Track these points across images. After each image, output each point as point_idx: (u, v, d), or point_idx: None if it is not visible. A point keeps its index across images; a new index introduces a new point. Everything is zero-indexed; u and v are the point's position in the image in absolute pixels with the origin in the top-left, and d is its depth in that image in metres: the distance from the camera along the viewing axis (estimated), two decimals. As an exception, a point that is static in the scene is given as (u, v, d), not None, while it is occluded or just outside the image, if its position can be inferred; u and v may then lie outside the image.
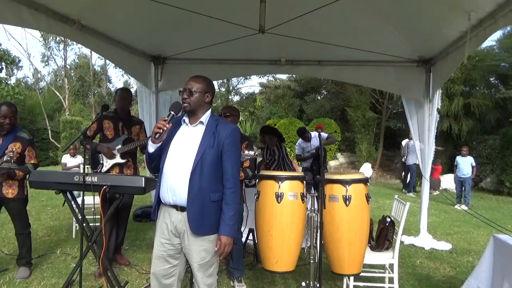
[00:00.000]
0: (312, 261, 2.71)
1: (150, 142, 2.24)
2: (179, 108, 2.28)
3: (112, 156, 3.84)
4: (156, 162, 2.29)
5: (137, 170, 4.15)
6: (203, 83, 2.26)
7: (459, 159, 8.81)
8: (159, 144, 2.23)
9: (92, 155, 3.91)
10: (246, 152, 3.35)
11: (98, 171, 3.80)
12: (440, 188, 10.35)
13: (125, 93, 4.15)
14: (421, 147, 5.10)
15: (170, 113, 2.22)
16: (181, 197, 2.17)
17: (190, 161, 2.16)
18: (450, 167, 10.21)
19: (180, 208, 2.20)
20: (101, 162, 3.86)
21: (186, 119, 2.30)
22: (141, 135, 4.14)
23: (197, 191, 2.14)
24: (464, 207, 8.21)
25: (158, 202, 2.30)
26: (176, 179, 2.18)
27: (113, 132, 3.95)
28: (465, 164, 8.67)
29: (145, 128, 4.31)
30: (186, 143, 2.23)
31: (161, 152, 2.27)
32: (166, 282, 2.29)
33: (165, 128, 2.16)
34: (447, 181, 10.67)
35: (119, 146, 3.86)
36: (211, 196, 2.17)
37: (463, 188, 8.65)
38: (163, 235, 2.26)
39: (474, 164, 8.73)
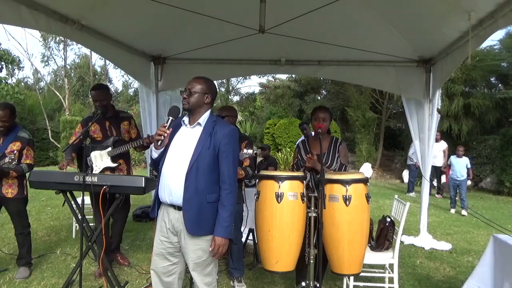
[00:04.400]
0: (312, 261, 2.71)
1: (153, 149, 2.33)
2: (177, 112, 2.35)
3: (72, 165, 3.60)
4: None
5: (129, 171, 3.95)
6: (203, 84, 2.29)
7: (453, 159, 8.13)
8: (162, 149, 2.29)
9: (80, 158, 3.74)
10: (245, 150, 3.35)
11: None
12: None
13: (97, 94, 3.73)
14: (421, 146, 5.11)
15: (169, 118, 2.29)
16: (177, 197, 2.20)
17: (186, 162, 2.19)
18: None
19: (177, 207, 2.23)
20: (89, 165, 3.69)
21: (186, 120, 2.33)
22: (132, 131, 3.93)
23: (193, 192, 2.16)
24: (464, 212, 7.67)
25: (158, 200, 2.34)
26: (172, 180, 2.22)
27: (100, 134, 3.76)
28: (460, 165, 8.01)
29: (135, 123, 4.06)
30: (184, 144, 2.27)
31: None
32: (167, 280, 2.33)
33: (165, 135, 2.24)
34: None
35: (109, 149, 3.70)
36: (207, 197, 2.19)
37: (457, 192, 8.01)
38: (162, 233, 2.31)
39: (469, 165, 8.06)
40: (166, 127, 2.25)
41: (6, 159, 3.33)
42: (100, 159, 3.71)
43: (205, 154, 2.19)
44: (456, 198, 8.44)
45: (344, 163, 3.11)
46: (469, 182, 8.40)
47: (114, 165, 3.71)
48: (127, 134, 3.89)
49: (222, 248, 2.18)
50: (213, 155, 2.20)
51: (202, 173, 2.18)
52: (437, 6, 3.38)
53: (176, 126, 2.34)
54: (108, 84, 25.62)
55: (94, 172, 3.64)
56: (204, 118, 2.29)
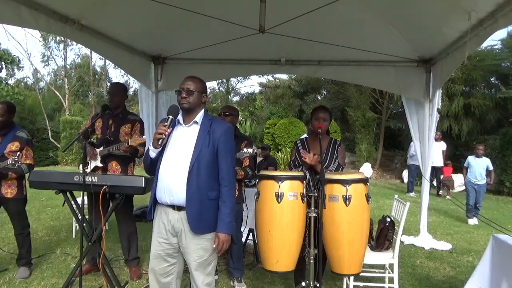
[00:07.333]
0: (312, 261, 2.71)
1: (151, 148, 2.29)
2: (177, 111, 2.33)
3: (94, 158, 3.57)
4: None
5: (125, 174, 3.68)
6: (200, 84, 2.31)
7: (472, 160, 6.96)
8: (160, 149, 2.27)
9: (84, 155, 3.63)
10: (245, 149, 3.35)
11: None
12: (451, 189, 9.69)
13: (112, 88, 3.78)
14: (421, 146, 5.11)
15: (169, 117, 2.27)
16: (179, 197, 2.19)
17: (187, 161, 2.19)
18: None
19: (177, 208, 2.22)
20: (88, 162, 3.61)
21: (181, 119, 2.33)
22: (134, 135, 3.63)
23: (195, 190, 2.16)
24: (475, 220, 6.83)
25: (155, 202, 2.32)
26: (173, 180, 2.20)
27: (101, 131, 3.67)
28: (480, 167, 6.86)
29: (143, 128, 3.79)
30: (182, 144, 2.26)
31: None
32: (165, 280, 2.32)
33: (166, 133, 2.22)
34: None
35: (101, 148, 3.59)
36: (208, 194, 2.19)
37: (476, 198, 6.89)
38: (160, 235, 2.29)
39: (491, 167, 6.94)
40: (167, 126, 2.23)
41: (9, 161, 3.32)
42: (94, 158, 3.62)
43: (205, 152, 2.20)
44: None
45: (341, 164, 3.14)
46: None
47: (101, 165, 3.60)
48: (126, 137, 3.64)
49: (226, 244, 2.20)
50: (213, 153, 2.22)
51: (203, 171, 2.18)
52: (437, 6, 3.38)
53: (171, 126, 2.32)
54: (108, 84, 25.59)
55: (88, 170, 3.57)
56: (200, 116, 2.30)
